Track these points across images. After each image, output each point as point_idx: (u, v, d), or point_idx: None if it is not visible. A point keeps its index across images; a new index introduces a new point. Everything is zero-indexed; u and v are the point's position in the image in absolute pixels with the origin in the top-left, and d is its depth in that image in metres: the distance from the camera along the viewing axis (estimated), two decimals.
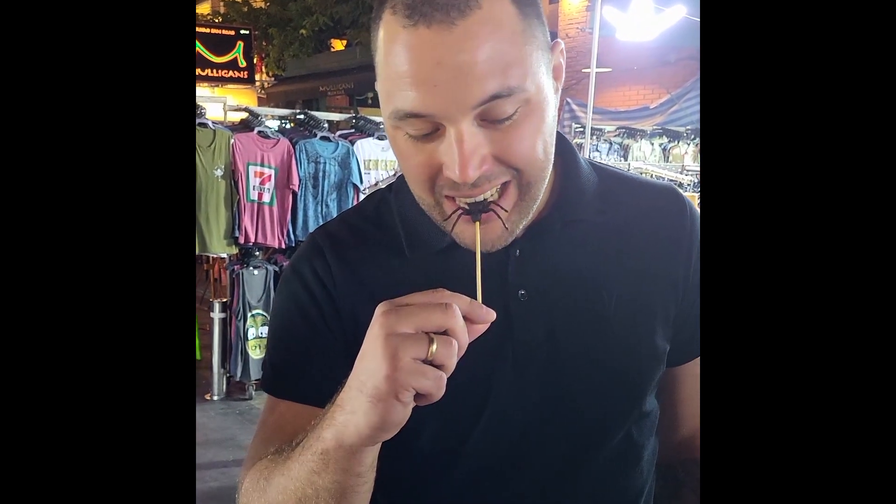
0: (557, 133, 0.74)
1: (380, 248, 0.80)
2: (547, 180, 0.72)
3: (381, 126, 4.62)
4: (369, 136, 4.60)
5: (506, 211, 0.68)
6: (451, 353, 0.56)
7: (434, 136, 0.65)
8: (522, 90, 0.63)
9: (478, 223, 0.67)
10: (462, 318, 0.57)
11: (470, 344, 0.59)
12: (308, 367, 0.78)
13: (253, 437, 0.80)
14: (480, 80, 0.61)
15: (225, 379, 4.48)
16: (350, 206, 4.64)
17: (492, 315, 0.59)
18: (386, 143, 4.59)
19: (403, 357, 0.55)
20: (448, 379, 0.57)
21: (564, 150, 0.81)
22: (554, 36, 0.71)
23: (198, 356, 4.86)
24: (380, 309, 0.58)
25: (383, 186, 0.86)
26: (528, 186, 0.69)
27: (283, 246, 4.36)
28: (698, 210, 0.81)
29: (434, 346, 0.56)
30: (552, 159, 0.71)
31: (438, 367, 0.56)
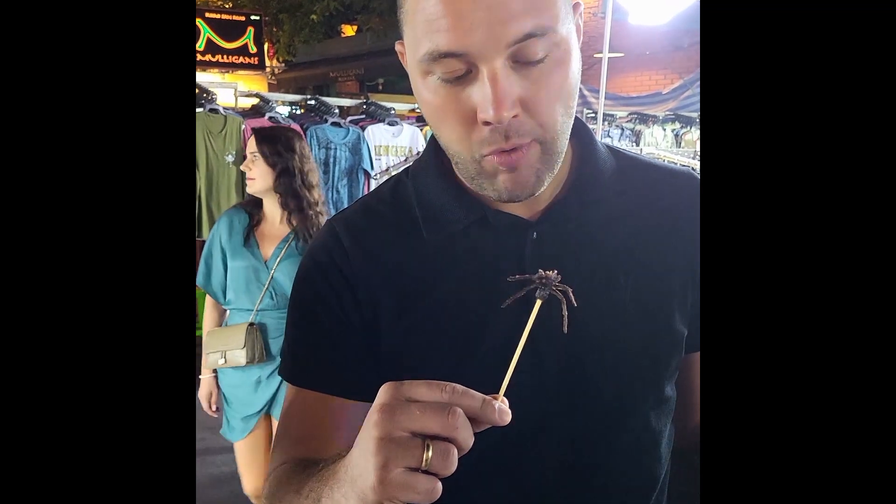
0: (574, 117, 0.74)
1: (396, 230, 0.79)
2: (567, 139, 0.71)
3: (392, 112, 4.61)
4: (380, 121, 4.59)
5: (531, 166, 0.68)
6: (449, 463, 0.51)
7: (466, 79, 0.65)
8: (554, 31, 0.64)
9: (539, 302, 0.61)
10: (467, 423, 0.52)
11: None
12: (327, 356, 0.78)
13: (278, 424, 0.82)
14: (516, 17, 0.61)
15: None
16: (361, 192, 4.59)
17: (507, 418, 0.54)
18: (396, 128, 4.57)
19: (393, 468, 0.51)
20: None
21: (580, 131, 0.80)
22: None
23: None
24: (380, 398, 0.54)
25: (396, 171, 0.86)
26: (553, 142, 0.68)
27: None
28: None
29: (429, 454, 0.51)
30: (573, 114, 0.71)
31: (434, 473, 0.52)
